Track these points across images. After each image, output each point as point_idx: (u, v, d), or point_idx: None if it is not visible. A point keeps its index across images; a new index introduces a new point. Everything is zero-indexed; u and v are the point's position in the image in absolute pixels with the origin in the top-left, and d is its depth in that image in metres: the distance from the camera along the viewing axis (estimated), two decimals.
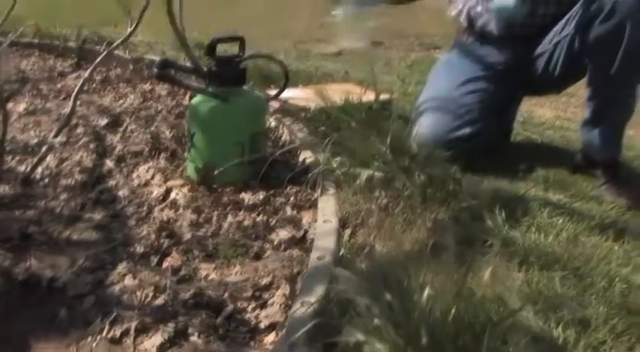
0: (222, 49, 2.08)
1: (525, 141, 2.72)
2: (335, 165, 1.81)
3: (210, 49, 1.92)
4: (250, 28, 6.73)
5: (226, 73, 1.93)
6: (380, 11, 2.40)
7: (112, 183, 2.12)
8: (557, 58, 2.01)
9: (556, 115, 3.42)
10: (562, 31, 1.98)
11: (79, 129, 2.63)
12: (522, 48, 2.09)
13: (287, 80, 2.09)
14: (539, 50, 2.06)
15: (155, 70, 1.87)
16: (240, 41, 2.00)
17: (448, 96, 2.09)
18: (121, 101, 3.15)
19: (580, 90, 3.93)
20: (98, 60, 2.16)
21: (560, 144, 2.72)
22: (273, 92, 2.38)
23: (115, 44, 2.44)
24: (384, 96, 2.45)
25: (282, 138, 2.25)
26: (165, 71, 1.93)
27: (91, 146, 2.43)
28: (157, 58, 3.60)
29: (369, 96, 2.38)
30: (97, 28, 4.45)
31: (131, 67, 3.68)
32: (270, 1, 9.48)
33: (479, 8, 2.18)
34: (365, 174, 1.68)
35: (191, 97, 2.07)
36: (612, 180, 2.11)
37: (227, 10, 8.68)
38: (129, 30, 2.27)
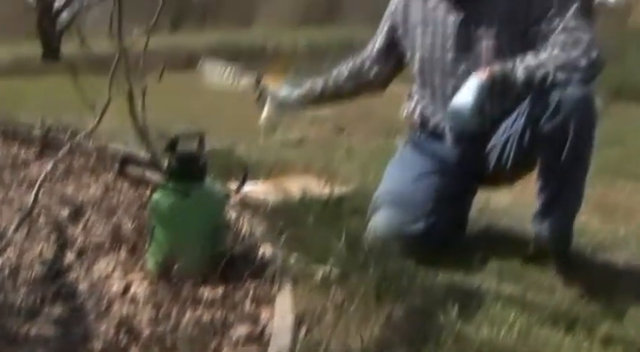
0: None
1: (481, 230, 2.78)
2: (292, 261, 1.85)
3: (171, 145, 1.97)
4: (214, 114, 6.86)
5: (187, 168, 1.97)
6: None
7: (72, 276, 2.12)
8: (508, 152, 2.09)
9: (514, 200, 3.49)
10: (512, 126, 2.07)
11: (41, 220, 2.64)
12: (474, 143, 2.18)
13: (246, 175, 2.15)
14: (491, 144, 2.15)
15: (116, 167, 1.91)
16: (200, 137, 2.06)
17: (402, 191, 2.15)
18: (84, 191, 3.16)
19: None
20: (60, 155, 2.19)
21: (517, 233, 2.78)
22: (234, 184, 2.43)
23: (77, 138, 2.47)
24: (342, 189, 2.51)
25: (242, 232, 2.29)
26: (127, 167, 1.97)
27: (52, 238, 2.44)
28: (121, 148, 3.67)
29: (328, 189, 2.44)
30: (62, 113, 4.50)
31: (94, 156, 3.71)
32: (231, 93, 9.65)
33: (431, 108, 2.27)
34: (321, 270, 1.72)
35: (152, 191, 2.10)
36: (564, 270, 2.17)
37: (192, 97, 8.84)
38: (91, 126, 2.32)
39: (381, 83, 2.48)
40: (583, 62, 1.93)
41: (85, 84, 2.54)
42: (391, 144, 4.80)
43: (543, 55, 1.93)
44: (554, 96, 1.88)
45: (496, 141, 2.13)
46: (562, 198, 2.02)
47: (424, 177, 2.19)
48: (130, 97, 1.91)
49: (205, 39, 22.72)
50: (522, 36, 2.06)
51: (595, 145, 2.02)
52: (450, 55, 2.15)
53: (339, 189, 2.48)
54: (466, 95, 1.91)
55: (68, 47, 15.89)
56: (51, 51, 16.77)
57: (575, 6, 2.06)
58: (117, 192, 3.11)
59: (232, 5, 46.17)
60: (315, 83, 2.43)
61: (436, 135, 2.29)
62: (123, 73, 2.25)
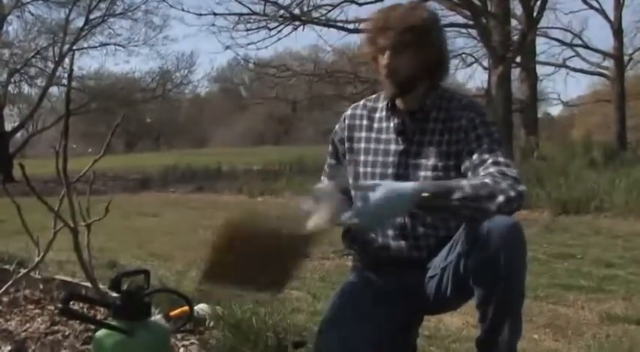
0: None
1: None
2: None
3: (115, 283, 1.96)
4: (167, 239, 6.83)
5: (130, 306, 1.95)
6: None
7: None
8: (446, 281, 2.11)
9: (464, 322, 3.50)
10: (447, 256, 2.11)
11: None
12: (414, 272, 2.20)
13: (191, 314, 2.13)
14: (430, 273, 2.17)
15: (59, 305, 1.88)
16: (145, 274, 2.05)
17: (347, 324, 2.14)
18: (28, 325, 3.08)
19: None
20: (4, 289, 2.16)
21: None
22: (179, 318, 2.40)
23: (22, 273, 2.44)
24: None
25: None
26: (70, 306, 1.94)
27: None
28: (67, 279, 3.61)
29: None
30: (8, 240, 4.45)
31: (41, 287, 3.64)
32: (185, 213, 9.71)
33: (367, 236, 2.29)
34: None
35: (96, 329, 2.06)
36: None
37: (142, 221, 8.85)
38: (36, 259, 2.30)
39: None
40: (511, 193, 2.00)
41: (34, 209, 2.54)
42: (344, 266, 4.83)
43: (475, 181, 1.99)
44: (483, 228, 1.93)
45: (435, 270, 2.16)
46: (502, 328, 2.04)
47: (369, 306, 2.19)
48: (75, 235, 1.91)
49: (160, 159, 22.99)
50: (457, 169, 2.14)
51: (527, 270, 2.05)
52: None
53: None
54: (401, 190, 1.92)
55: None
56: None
57: (503, 145, 2.16)
58: (62, 325, 3.04)
59: (186, 128, 47.06)
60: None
61: (377, 263, 2.31)
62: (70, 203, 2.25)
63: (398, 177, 2.18)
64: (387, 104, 2.27)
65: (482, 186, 1.97)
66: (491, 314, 2.00)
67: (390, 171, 2.22)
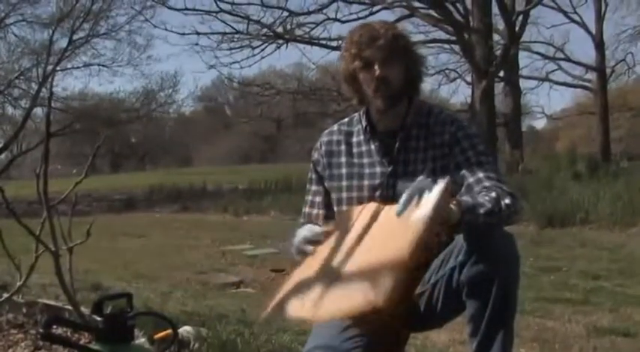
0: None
1: None
2: None
3: (97, 306, 1.93)
4: (151, 259, 6.80)
5: (113, 330, 1.93)
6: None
7: None
8: (436, 296, 2.10)
9: (451, 339, 3.50)
10: (439, 271, 2.10)
11: None
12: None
13: (176, 336, 2.11)
14: (419, 289, 2.16)
15: (40, 330, 1.85)
16: (128, 297, 2.03)
17: (330, 345, 2.13)
18: (11, 350, 3.04)
19: None
20: None
21: None
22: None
23: (4, 298, 2.41)
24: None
25: None
26: (52, 330, 1.91)
27: None
28: (51, 302, 3.57)
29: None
30: None
31: (24, 311, 3.60)
32: (170, 234, 9.66)
33: None
34: None
35: None
36: None
37: (127, 242, 8.80)
38: (18, 283, 2.27)
39: None
40: (517, 205, 2.02)
41: (19, 231, 2.52)
42: None
43: (488, 196, 2.00)
44: (480, 241, 1.93)
45: (424, 286, 2.15)
46: (495, 343, 2.03)
47: (352, 328, 2.18)
48: (56, 259, 1.89)
49: (145, 179, 22.91)
50: None
51: (519, 283, 2.05)
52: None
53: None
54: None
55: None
56: None
57: (489, 154, 2.17)
58: (46, 349, 3.00)
59: (171, 147, 46.99)
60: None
61: None
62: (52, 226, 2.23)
63: (386, 199, 2.17)
64: (365, 127, 2.26)
65: (496, 201, 1.98)
66: (484, 327, 1.99)
67: (377, 193, 2.21)
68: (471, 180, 2.10)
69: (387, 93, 2.16)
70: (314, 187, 2.39)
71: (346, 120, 2.37)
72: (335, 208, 2.31)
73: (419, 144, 2.21)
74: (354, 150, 2.30)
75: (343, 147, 2.32)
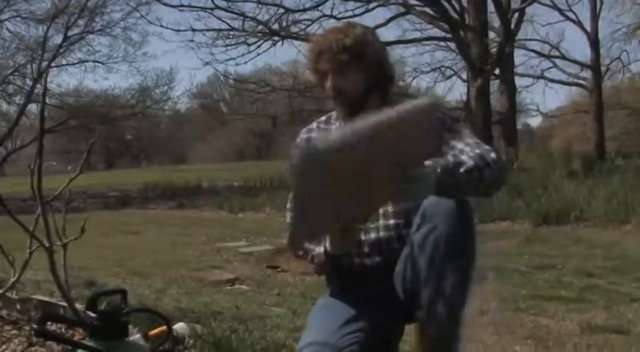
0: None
1: None
2: None
3: (91, 303, 1.93)
4: (146, 256, 6.80)
5: (107, 326, 1.92)
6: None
7: None
8: (404, 271, 2.11)
9: None
10: (404, 252, 2.12)
11: None
12: (385, 277, 2.18)
13: (170, 333, 2.11)
14: (395, 271, 2.15)
15: (34, 326, 1.85)
16: (123, 294, 2.02)
17: (326, 341, 2.12)
18: (5, 346, 3.04)
19: (470, 305, 4.13)
20: None
21: None
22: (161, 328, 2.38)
23: None
24: None
25: None
26: (46, 326, 1.91)
27: None
28: (45, 299, 3.56)
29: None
30: None
31: (18, 307, 3.59)
32: (165, 231, 9.66)
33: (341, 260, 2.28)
34: None
35: (73, 350, 2.03)
36: None
37: (122, 238, 8.79)
38: (12, 280, 2.27)
39: None
40: (501, 162, 2.03)
41: (14, 227, 2.51)
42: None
43: (470, 154, 2.00)
44: (424, 206, 1.96)
45: (397, 269, 2.15)
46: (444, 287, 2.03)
47: (349, 323, 2.18)
48: (50, 255, 1.89)
49: (141, 176, 22.88)
50: None
51: (473, 258, 2.04)
52: None
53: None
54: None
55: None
56: None
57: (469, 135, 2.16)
58: (40, 345, 2.99)
59: (166, 144, 46.95)
60: None
61: (349, 276, 2.30)
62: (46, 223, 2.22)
63: None
64: (341, 125, 2.27)
65: (478, 157, 1.99)
66: (429, 289, 2.00)
67: None
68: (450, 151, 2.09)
69: (345, 100, 2.18)
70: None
71: (324, 117, 2.39)
72: None
73: None
74: None
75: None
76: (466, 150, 2.08)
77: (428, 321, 2.03)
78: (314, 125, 2.39)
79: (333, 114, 2.35)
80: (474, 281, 2.03)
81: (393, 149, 1.70)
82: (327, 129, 2.34)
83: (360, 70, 2.16)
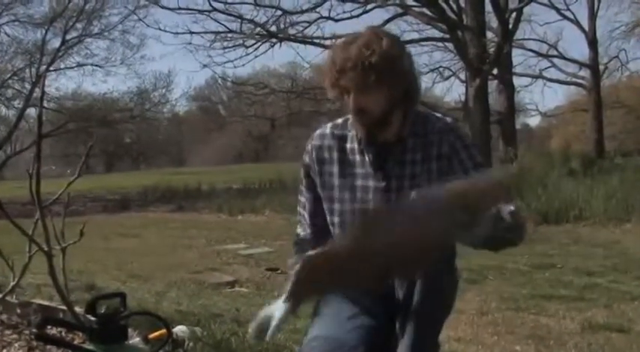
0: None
1: None
2: None
3: (91, 306, 1.93)
4: (145, 259, 6.79)
5: (106, 330, 1.92)
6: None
7: None
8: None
9: (446, 336, 3.49)
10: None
11: None
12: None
13: (170, 336, 2.10)
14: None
15: (34, 330, 1.85)
16: (122, 297, 2.02)
17: (332, 336, 2.12)
18: (5, 350, 3.03)
19: (470, 304, 4.13)
20: None
21: None
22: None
23: None
24: None
25: None
26: (45, 331, 1.91)
27: None
28: (45, 303, 3.56)
29: None
30: None
31: (18, 311, 3.59)
32: (165, 233, 9.64)
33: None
34: None
35: None
36: None
37: (122, 242, 8.77)
38: (11, 284, 2.26)
39: None
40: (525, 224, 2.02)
41: (13, 231, 2.51)
42: None
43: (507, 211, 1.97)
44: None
45: None
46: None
47: (355, 318, 2.17)
48: (49, 259, 1.88)
49: (140, 179, 22.87)
50: None
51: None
52: None
53: None
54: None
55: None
56: None
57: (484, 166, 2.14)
58: (40, 350, 3.00)
59: (165, 147, 46.94)
60: None
61: None
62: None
63: None
64: (360, 139, 2.18)
65: (513, 216, 1.95)
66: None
67: (370, 206, 2.19)
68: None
69: (367, 121, 2.08)
70: (305, 193, 2.36)
71: (340, 121, 2.26)
72: (327, 218, 2.29)
73: (415, 156, 2.15)
74: (349, 157, 2.23)
75: (336, 154, 2.23)
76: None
77: None
78: (327, 130, 2.27)
79: (349, 118, 2.21)
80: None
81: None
82: (343, 136, 2.23)
83: (385, 88, 2.04)
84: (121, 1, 20.24)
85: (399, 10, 17.22)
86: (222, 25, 16.96)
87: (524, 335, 3.54)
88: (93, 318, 1.95)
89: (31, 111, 22.58)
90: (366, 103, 2.05)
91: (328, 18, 16.89)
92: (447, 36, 16.30)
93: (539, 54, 23.65)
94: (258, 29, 16.86)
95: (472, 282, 4.87)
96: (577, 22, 22.71)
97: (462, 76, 20.38)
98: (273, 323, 1.78)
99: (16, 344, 3.08)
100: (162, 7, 17.28)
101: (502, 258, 5.87)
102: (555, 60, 23.81)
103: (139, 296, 4.26)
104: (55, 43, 21.27)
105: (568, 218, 8.32)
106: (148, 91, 24.26)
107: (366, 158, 2.17)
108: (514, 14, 15.83)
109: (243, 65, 36.09)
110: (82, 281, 4.65)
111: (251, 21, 16.76)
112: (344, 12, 16.96)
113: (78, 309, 2.69)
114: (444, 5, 15.62)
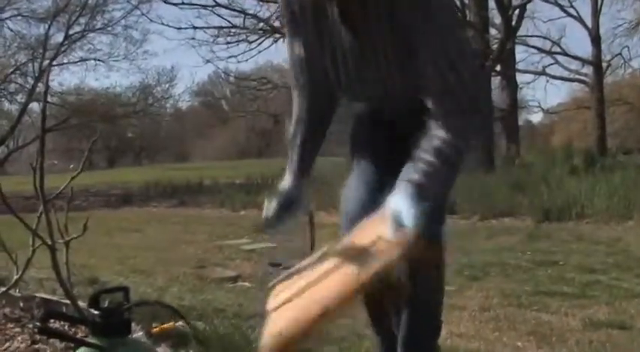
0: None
1: None
2: None
3: (94, 300, 1.93)
4: (149, 255, 6.80)
5: (109, 323, 1.93)
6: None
7: None
8: None
9: (449, 332, 3.49)
10: None
11: None
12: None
13: (182, 318, 2.12)
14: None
15: (37, 324, 1.85)
16: (125, 291, 2.03)
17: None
18: (8, 344, 3.04)
19: (472, 300, 4.13)
20: None
21: None
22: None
23: (1, 292, 2.41)
24: None
25: None
26: (49, 324, 1.92)
27: None
28: (48, 296, 3.57)
29: None
30: None
31: (21, 305, 3.60)
32: (167, 228, 9.66)
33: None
34: None
35: (75, 347, 2.04)
36: None
37: (124, 237, 8.79)
38: (15, 277, 2.27)
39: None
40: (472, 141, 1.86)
41: (17, 225, 2.52)
42: None
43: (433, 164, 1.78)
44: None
45: None
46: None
47: (364, 168, 2.18)
48: (53, 252, 1.89)
49: (142, 174, 22.88)
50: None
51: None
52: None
53: None
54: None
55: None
56: None
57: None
58: (43, 343, 3.00)
59: (168, 142, 46.96)
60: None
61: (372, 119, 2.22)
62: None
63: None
64: None
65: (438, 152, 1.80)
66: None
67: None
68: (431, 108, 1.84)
69: None
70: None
71: None
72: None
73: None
74: None
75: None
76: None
77: None
78: None
79: None
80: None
81: None
82: None
83: None
84: None
85: None
86: (226, 20, 17.00)
87: (526, 331, 3.54)
88: (96, 312, 1.96)
89: (34, 106, 22.62)
90: None
91: None
92: None
93: (542, 51, 23.65)
94: (262, 24, 16.87)
95: (474, 279, 4.88)
96: (580, 19, 22.72)
97: None
98: None
99: (19, 338, 3.09)
100: (166, 2, 17.26)
101: (504, 254, 5.88)
102: (558, 57, 23.83)
103: (141, 290, 4.26)
104: (58, 37, 21.25)
105: (570, 215, 8.30)
106: (150, 86, 24.28)
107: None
108: (517, 11, 15.79)
109: (247, 60, 35.98)
110: (84, 275, 4.67)
111: (254, 16, 16.78)
112: None
113: (81, 303, 2.70)
114: None
